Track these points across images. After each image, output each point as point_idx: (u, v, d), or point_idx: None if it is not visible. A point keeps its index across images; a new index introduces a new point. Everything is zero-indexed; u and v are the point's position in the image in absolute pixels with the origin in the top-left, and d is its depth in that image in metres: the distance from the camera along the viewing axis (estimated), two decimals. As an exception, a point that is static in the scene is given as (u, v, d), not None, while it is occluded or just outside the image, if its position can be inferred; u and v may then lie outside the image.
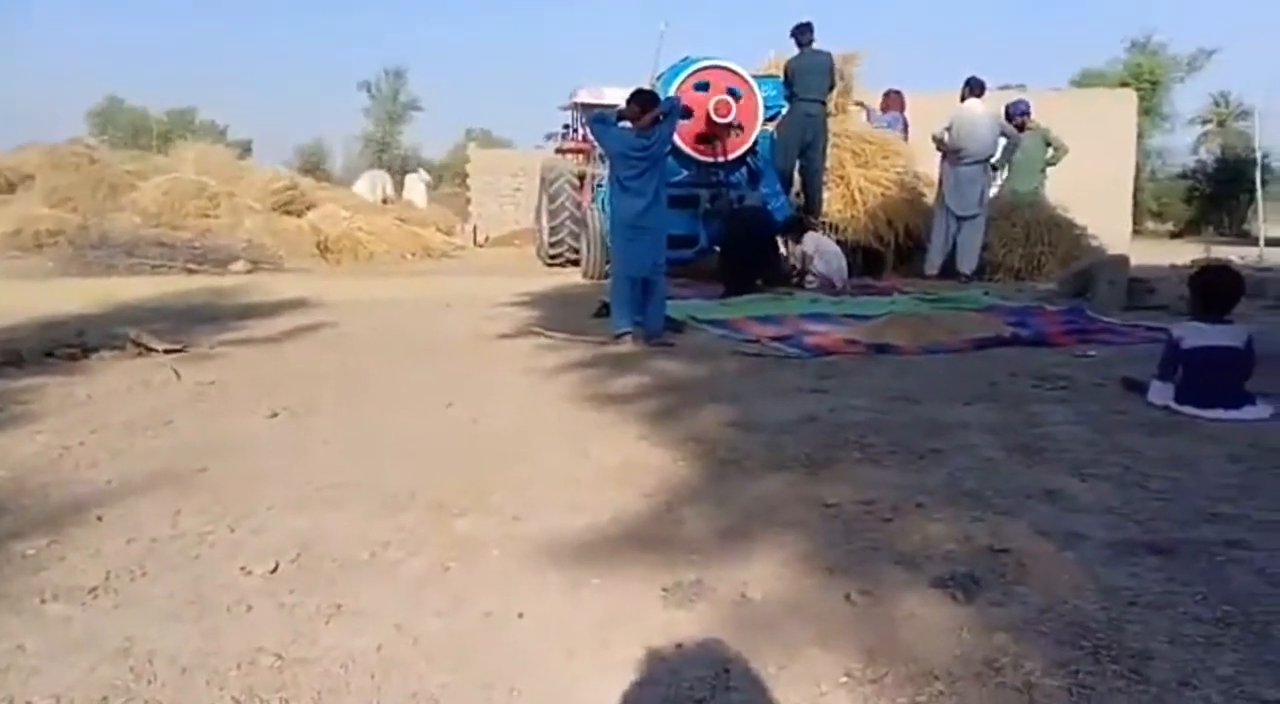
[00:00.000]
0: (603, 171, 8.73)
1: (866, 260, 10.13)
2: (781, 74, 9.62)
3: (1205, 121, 35.41)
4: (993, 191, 9.96)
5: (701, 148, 8.90)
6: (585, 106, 11.28)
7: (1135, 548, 2.39)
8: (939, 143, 9.62)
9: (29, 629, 2.00)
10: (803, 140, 9.47)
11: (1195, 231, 28.14)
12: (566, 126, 13.39)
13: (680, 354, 5.47)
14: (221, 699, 1.75)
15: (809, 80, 9.36)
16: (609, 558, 2.39)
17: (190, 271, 10.75)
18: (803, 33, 9.44)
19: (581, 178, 11.42)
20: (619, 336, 5.76)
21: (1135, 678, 1.76)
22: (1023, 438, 3.49)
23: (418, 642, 1.96)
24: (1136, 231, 19.00)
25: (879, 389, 4.37)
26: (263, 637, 1.96)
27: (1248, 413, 3.76)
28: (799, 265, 8.91)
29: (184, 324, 6.42)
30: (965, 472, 3.06)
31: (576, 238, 11.28)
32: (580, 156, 11.89)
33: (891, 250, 10.27)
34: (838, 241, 9.35)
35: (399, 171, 26.82)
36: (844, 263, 8.87)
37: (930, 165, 10.18)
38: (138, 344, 5.30)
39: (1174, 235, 27.84)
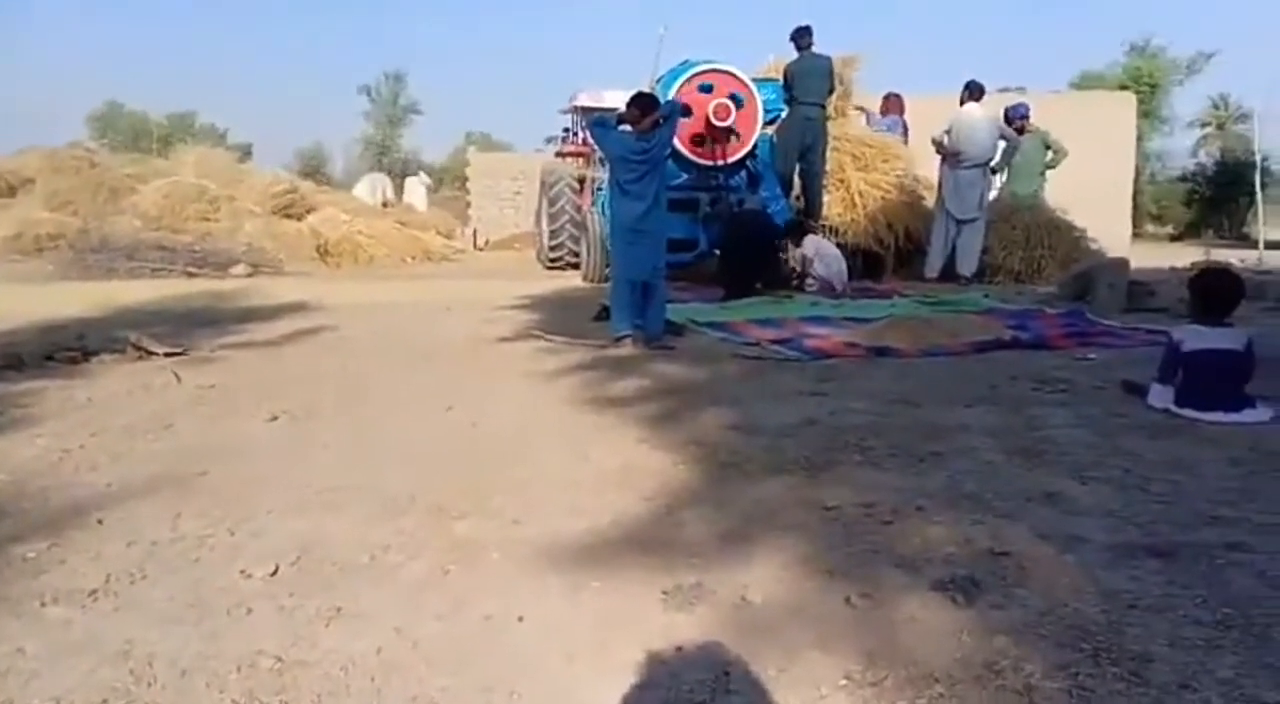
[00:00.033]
0: (603, 175, 8.73)
1: (866, 263, 10.14)
2: (781, 78, 9.63)
3: (1205, 124, 35.47)
4: (992, 195, 9.96)
5: (697, 149, 8.90)
6: (585, 110, 11.29)
7: (1135, 551, 2.39)
8: (938, 146, 9.64)
9: (29, 632, 2.00)
10: (802, 144, 9.48)
11: (1195, 234, 28.19)
12: (566, 130, 13.39)
13: (680, 357, 5.47)
14: (221, 702, 1.75)
15: (808, 84, 9.37)
16: (609, 561, 2.39)
17: (190, 275, 10.75)
18: (802, 36, 9.45)
19: (581, 181, 11.42)
20: (619, 340, 5.76)
21: (1135, 680, 1.76)
22: (1023, 441, 3.48)
23: (417, 645, 1.96)
24: (1136, 234, 19.03)
25: (879, 392, 4.37)
26: (263, 639, 1.97)
27: (1248, 416, 3.76)
28: (799, 268, 8.92)
29: (184, 327, 6.43)
30: (965, 474, 3.06)
31: (576, 241, 11.28)
32: (580, 160, 11.91)
33: (891, 253, 10.28)
34: (838, 245, 9.36)
35: (399, 175, 26.91)
36: (844, 266, 8.88)
37: (930, 168, 10.20)
38: (138, 347, 5.31)
39: (1174, 238, 27.88)
